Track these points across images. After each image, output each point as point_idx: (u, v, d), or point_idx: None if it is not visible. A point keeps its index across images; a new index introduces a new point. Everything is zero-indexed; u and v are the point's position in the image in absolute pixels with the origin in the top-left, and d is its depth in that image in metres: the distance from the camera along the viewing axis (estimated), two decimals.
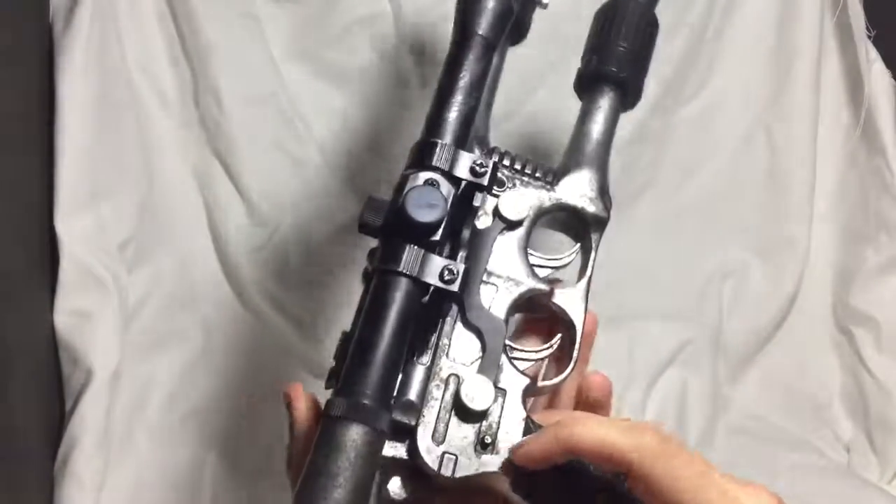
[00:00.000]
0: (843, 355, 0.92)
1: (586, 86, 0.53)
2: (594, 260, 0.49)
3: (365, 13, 0.82)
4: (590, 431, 0.37)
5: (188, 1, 0.79)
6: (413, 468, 0.40)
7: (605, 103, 0.52)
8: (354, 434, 0.36)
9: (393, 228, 0.41)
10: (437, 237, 0.41)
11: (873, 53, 0.91)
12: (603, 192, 0.49)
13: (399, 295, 0.40)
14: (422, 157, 0.43)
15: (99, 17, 0.75)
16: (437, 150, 0.43)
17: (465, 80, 0.45)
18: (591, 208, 0.48)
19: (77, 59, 0.73)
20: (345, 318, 0.81)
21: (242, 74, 0.81)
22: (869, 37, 0.90)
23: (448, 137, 0.44)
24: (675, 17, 0.88)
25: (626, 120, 0.86)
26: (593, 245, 0.49)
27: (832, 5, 0.91)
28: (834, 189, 0.94)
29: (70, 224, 0.72)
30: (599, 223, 0.49)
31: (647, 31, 0.53)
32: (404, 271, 0.40)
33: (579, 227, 0.49)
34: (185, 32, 0.80)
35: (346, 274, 0.83)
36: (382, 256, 0.41)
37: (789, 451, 0.84)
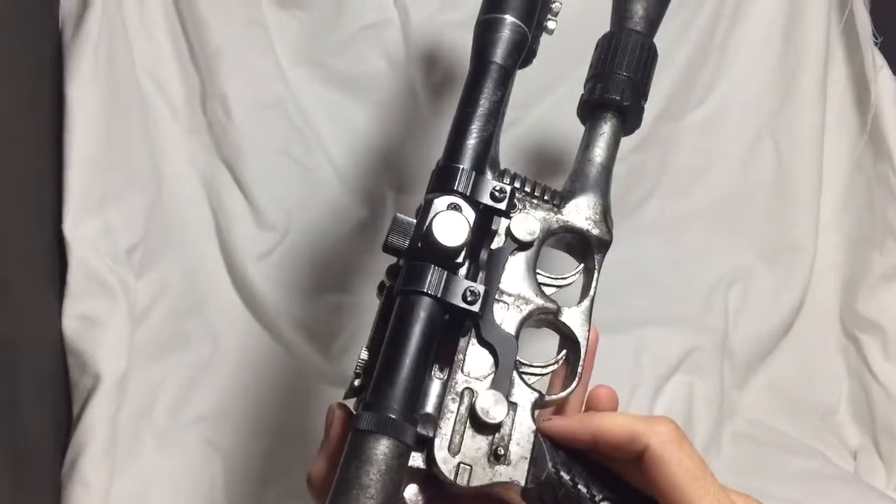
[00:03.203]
0: (850, 362, 0.92)
1: (589, 112, 0.55)
2: (597, 280, 0.50)
3: (372, 20, 0.83)
4: (614, 419, 0.42)
5: (196, 7, 0.79)
6: (428, 476, 0.42)
7: (607, 129, 0.54)
8: (384, 447, 0.38)
9: (418, 251, 0.43)
10: (459, 259, 0.43)
11: (880, 60, 0.91)
12: (606, 215, 0.51)
13: (423, 314, 0.41)
14: (444, 181, 0.45)
15: (108, 23, 0.75)
16: (459, 175, 0.45)
17: (483, 107, 0.47)
18: (595, 231, 0.50)
19: (86, 66, 0.74)
20: (352, 323, 0.82)
21: (250, 81, 0.81)
22: (876, 43, 0.90)
23: (468, 163, 0.45)
24: (682, 24, 0.88)
25: None
26: (597, 266, 0.51)
27: (839, 11, 0.91)
28: (840, 195, 0.94)
29: (78, 229, 0.73)
30: (603, 245, 0.51)
31: (648, 60, 0.56)
32: (429, 292, 0.41)
33: (584, 248, 0.51)
34: (192, 39, 0.80)
35: (354, 279, 0.83)
36: (407, 277, 0.42)
37: (796, 457, 0.84)
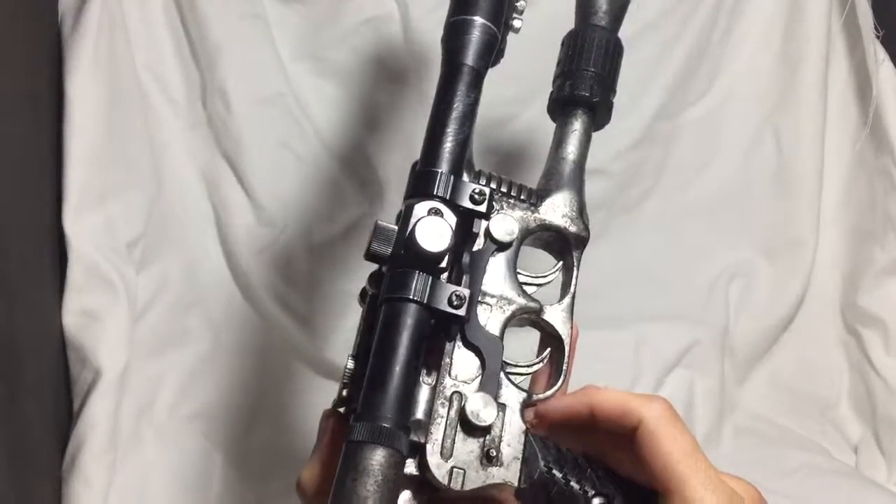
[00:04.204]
0: (851, 356, 0.92)
1: (560, 110, 0.55)
2: (577, 277, 0.50)
3: (372, 14, 0.82)
4: (609, 393, 0.43)
5: (196, 2, 0.79)
6: (422, 482, 0.42)
7: (578, 126, 0.54)
8: (379, 457, 0.37)
9: (401, 258, 0.42)
10: (443, 264, 0.43)
11: (882, 53, 0.91)
12: (582, 212, 0.52)
13: (410, 321, 0.41)
14: (423, 186, 0.45)
15: (107, 18, 0.75)
16: (438, 179, 0.45)
17: (458, 110, 0.47)
18: (572, 228, 0.51)
19: (85, 60, 0.74)
20: (351, 318, 0.82)
21: (250, 75, 0.81)
22: (877, 36, 0.90)
23: (446, 167, 0.45)
24: (682, 18, 0.88)
25: (633, 122, 0.88)
26: (575, 262, 0.51)
27: (840, 5, 0.91)
28: (842, 189, 0.94)
29: (79, 224, 0.73)
30: (581, 242, 0.51)
31: (614, 54, 0.56)
32: (414, 298, 0.41)
33: (562, 245, 0.51)
34: (192, 33, 0.80)
35: (354, 273, 0.83)
36: (392, 285, 0.42)
37: (797, 451, 0.84)
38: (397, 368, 0.40)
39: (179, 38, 0.81)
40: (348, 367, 0.43)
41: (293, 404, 0.80)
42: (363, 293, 0.45)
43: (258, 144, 0.81)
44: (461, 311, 0.42)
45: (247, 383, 0.80)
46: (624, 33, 0.86)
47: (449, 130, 0.46)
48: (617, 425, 0.42)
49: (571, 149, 0.53)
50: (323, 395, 0.79)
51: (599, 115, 0.55)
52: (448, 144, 0.46)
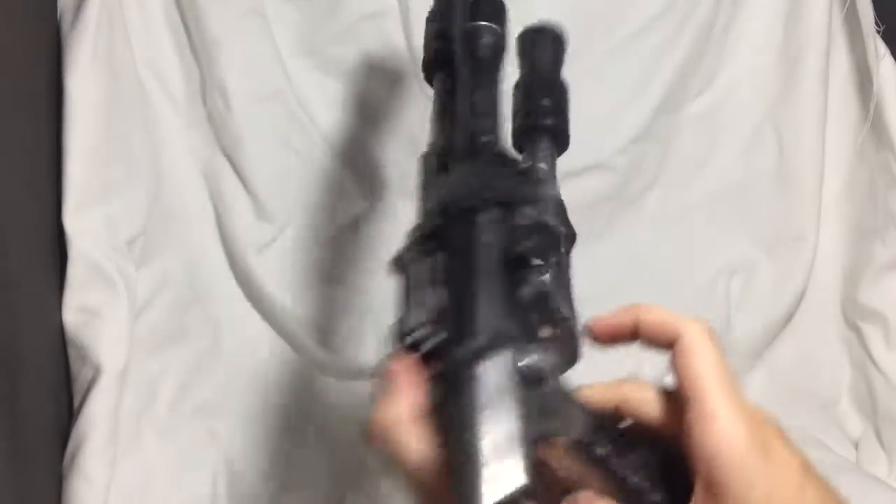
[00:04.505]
0: (852, 351, 0.92)
1: (526, 138, 0.58)
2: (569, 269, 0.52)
3: (372, 10, 0.82)
4: (654, 309, 0.45)
5: None
6: None
7: (546, 149, 0.57)
8: (502, 363, 0.39)
9: None
10: None
11: (882, 48, 0.90)
12: (566, 214, 0.54)
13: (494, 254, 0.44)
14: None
15: (106, 14, 0.75)
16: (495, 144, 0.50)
17: (493, 94, 0.54)
18: (562, 228, 0.52)
19: (85, 57, 0.74)
20: (352, 314, 0.82)
21: (250, 71, 0.81)
22: (878, 32, 0.90)
23: (496, 138, 0.51)
24: (683, 14, 0.88)
25: (635, 117, 0.87)
26: (565, 259, 0.53)
27: (840, 0, 0.90)
28: (842, 184, 0.94)
29: (79, 221, 0.73)
30: (570, 240, 0.53)
31: (563, 93, 0.60)
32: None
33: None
34: (192, 30, 0.80)
35: (354, 270, 0.83)
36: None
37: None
38: (489, 295, 0.42)
39: (179, 35, 0.81)
40: (429, 309, 0.43)
41: (294, 401, 0.80)
42: (398, 259, 0.46)
43: (258, 141, 0.81)
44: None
45: (247, 380, 0.80)
46: (626, 29, 0.87)
47: (492, 110, 0.52)
48: (658, 339, 0.44)
49: (544, 164, 0.56)
50: (322, 391, 0.79)
51: (561, 143, 0.58)
52: (496, 119, 0.52)
